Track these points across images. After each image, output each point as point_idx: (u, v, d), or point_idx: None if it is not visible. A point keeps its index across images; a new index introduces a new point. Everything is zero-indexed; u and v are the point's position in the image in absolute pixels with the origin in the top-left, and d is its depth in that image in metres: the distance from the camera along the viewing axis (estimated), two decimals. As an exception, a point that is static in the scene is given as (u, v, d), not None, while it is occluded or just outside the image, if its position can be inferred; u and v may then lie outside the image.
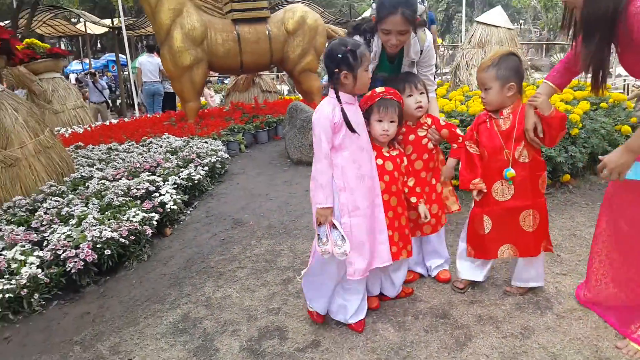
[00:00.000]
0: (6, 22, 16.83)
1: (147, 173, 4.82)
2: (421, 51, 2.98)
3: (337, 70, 2.45)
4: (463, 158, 2.86)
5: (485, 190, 2.77)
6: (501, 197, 2.75)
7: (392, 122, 2.68)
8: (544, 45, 26.36)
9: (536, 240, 2.74)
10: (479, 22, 7.25)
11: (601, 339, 2.44)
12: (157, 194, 4.41)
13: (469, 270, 2.98)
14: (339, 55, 2.43)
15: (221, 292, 3.24)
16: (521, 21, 46.05)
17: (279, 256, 3.66)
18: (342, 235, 2.50)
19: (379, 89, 2.71)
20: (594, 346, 2.40)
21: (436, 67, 7.74)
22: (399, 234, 2.77)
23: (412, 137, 2.93)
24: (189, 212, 4.72)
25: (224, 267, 3.59)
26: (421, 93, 2.88)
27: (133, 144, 6.10)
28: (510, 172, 2.65)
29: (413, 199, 2.82)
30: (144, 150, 5.69)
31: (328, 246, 2.47)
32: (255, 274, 3.43)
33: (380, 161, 2.74)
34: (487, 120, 2.74)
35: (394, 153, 2.79)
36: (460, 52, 7.27)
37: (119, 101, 16.53)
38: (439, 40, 26.52)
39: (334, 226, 2.53)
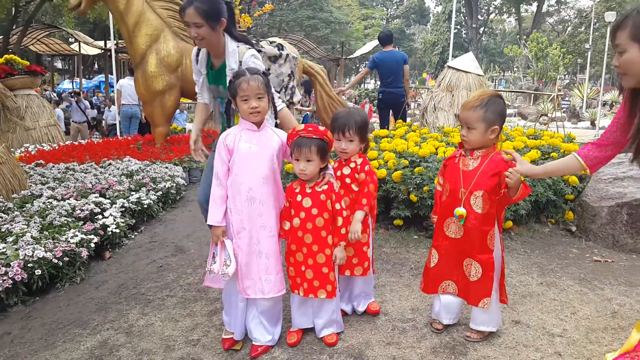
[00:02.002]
0: (-1, 37, 17.03)
1: (96, 195, 4.79)
2: (240, 62, 3.08)
3: (229, 99, 2.77)
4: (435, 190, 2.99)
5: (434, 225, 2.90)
6: (451, 233, 2.77)
7: (309, 160, 2.68)
8: (532, 94, 26.81)
9: (477, 291, 2.73)
10: (449, 67, 7.37)
11: (507, 389, 2.41)
12: (100, 216, 4.37)
13: (437, 310, 2.95)
14: (228, 85, 2.72)
15: (145, 320, 3.19)
16: (514, 68, 47.00)
17: (210, 287, 3.61)
18: (230, 256, 2.64)
19: (298, 127, 2.73)
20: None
21: (408, 106, 7.83)
22: (314, 272, 2.74)
23: (339, 173, 2.95)
24: (133, 236, 4.68)
25: (154, 294, 3.54)
26: (350, 140, 2.85)
27: (92, 165, 6.08)
28: (460, 210, 2.66)
29: (329, 240, 2.76)
30: (100, 172, 5.67)
31: (215, 266, 2.66)
32: (183, 304, 3.39)
33: (299, 197, 2.75)
34: (457, 156, 2.78)
35: (320, 188, 2.76)
36: (430, 95, 7.36)
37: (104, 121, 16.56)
38: (432, 82, 26.96)
39: (224, 246, 2.67)
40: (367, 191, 2.86)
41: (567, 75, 44.05)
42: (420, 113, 7.62)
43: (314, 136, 2.69)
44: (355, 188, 2.93)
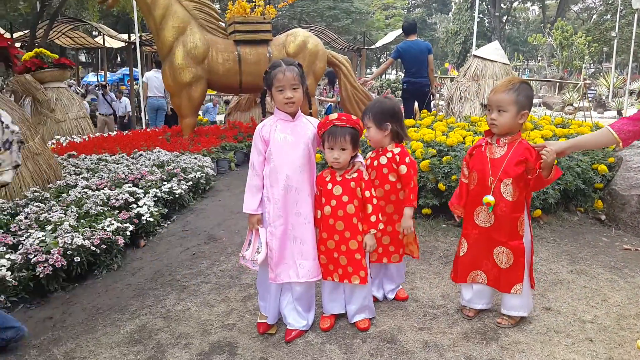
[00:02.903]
0: (25, 31, 17.32)
1: (129, 184, 4.91)
2: None
3: (265, 89, 2.81)
4: (459, 180, 3.00)
5: (461, 216, 2.94)
6: (481, 222, 2.81)
7: (343, 149, 2.74)
8: (557, 83, 26.40)
9: (508, 278, 2.77)
10: (475, 56, 7.33)
11: (540, 373, 2.45)
12: (135, 205, 4.49)
13: (470, 297, 2.99)
14: (264, 76, 2.79)
15: (181, 305, 3.29)
16: (539, 58, 46.26)
17: (244, 273, 3.71)
18: (262, 244, 2.74)
19: (332, 116, 2.79)
20: (530, 379, 2.40)
21: (433, 96, 7.81)
22: (347, 258, 2.80)
23: (375, 162, 3.00)
24: (166, 225, 4.79)
25: (189, 280, 3.64)
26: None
27: (124, 156, 6.22)
28: (488, 198, 2.70)
29: (360, 227, 2.82)
30: (132, 162, 5.80)
31: (248, 252, 2.77)
32: (218, 290, 3.48)
33: (330, 185, 2.81)
34: (484, 144, 2.81)
35: (350, 176, 2.81)
36: (455, 84, 7.34)
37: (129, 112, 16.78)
38: (454, 72, 26.73)
39: (259, 233, 2.78)
40: (413, 186, 2.91)
41: (592, 64, 43.24)
42: (445, 102, 7.61)
43: (347, 125, 2.74)
44: (392, 179, 2.97)
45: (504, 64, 7.17)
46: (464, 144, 4.66)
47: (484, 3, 49.57)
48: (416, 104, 8.24)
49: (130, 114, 13.87)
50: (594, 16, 47.67)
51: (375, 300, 3.20)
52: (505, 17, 53.68)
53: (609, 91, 25.54)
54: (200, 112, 14.49)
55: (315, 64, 8.03)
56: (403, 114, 3.15)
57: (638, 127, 2.38)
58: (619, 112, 19.35)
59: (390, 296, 3.22)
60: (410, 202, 2.93)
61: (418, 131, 5.02)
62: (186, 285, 3.58)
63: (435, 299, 3.21)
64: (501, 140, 2.73)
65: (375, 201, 2.83)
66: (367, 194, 2.82)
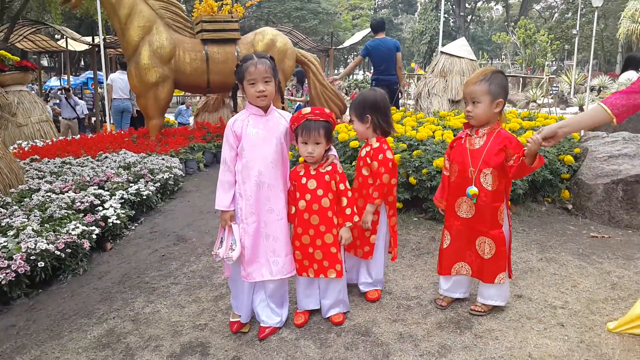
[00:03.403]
0: (-16, 34, 16.82)
1: (95, 187, 4.79)
2: None
3: (236, 83, 2.77)
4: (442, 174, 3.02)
5: (443, 210, 2.95)
6: (463, 213, 2.81)
7: (317, 143, 2.72)
8: (521, 80, 26.92)
9: (492, 268, 2.78)
10: (442, 52, 7.41)
11: (514, 358, 2.46)
12: (100, 208, 4.38)
13: (449, 286, 2.99)
14: (235, 69, 2.73)
15: (151, 307, 3.21)
16: (502, 56, 47.09)
17: (216, 272, 3.65)
18: (236, 240, 2.69)
19: (305, 110, 2.76)
20: (505, 366, 2.41)
21: (401, 94, 7.86)
22: (323, 253, 2.78)
23: (380, 156, 2.97)
24: (133, 227, 4.69)
25: (158, 282, 3.56)
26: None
27: (88, 159, 6.07)
28: (473, 189, 2.71)
29: (335, 220, 2.80)
30: (97, 165, 5.66)
31: (221, 250, 2.71)
32: (188, 290, 3.41)
33: (304, 180, 2.79)
34: (464, 137, 2.81)
35: (324, 170, 2.79)
36: (423, 81, 7.40)
37: (93, 118, 16.45)
38: (420, 71, 26.98)
39: (232, 230, 2.72)
40: (378, 183, 2.88)
41: (554, 62, 44.23)
42: (414, 99, 7.66)
43: (321, 119, 2.72)
44: (365, 172, 2.97)
45: (471, 60, 7.26)
46: (434, 138, 4.68)
47: (448, 3, 50.23)
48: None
49: (84, 115, 13.55)
50: (556, 15, 48.81)
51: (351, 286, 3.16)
52: (469, 17, 54.47)
53: (570, 88, 26.17)
54: (172, 115, 14.30)
55: (284, 62, 7.98)
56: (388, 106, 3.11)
57: (631, 100, 2.34)
58: (581, 108, 19.83)
59: (362, 289, 3.19)
60: (372, 199, 2.91)
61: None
62: (155, 287, 3.50)
63: (409, 291, 3.21)
64: (480, 131, 2.74)
65: (350, 194, 2.82)
66: (341, 186, 2.80)
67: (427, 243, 3.95)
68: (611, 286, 3.19)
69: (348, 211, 2.80)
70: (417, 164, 4.27)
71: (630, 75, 6.79)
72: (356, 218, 2.83)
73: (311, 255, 2.80)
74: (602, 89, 25.68)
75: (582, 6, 34.56)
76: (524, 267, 3.50)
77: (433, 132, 4.78)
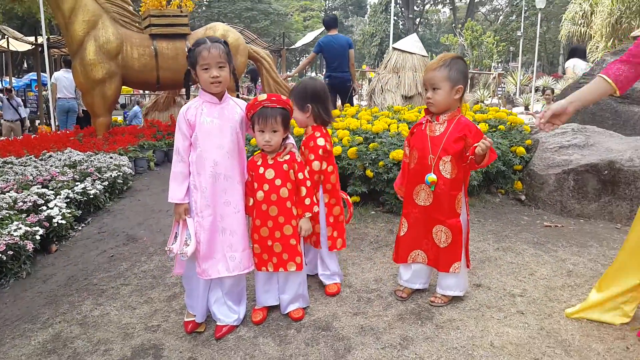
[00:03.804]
0: None
1: (38, 186, 4.54)
2: None
3: (188, 69, 2.64)
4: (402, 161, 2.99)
5: (402, 197, 2.92)
6: (421, 201, 2.77)
7: (274, 131, 2.63)
8: (469, 81, 27.52)
9: (447, 257, 2.75)
10: (395, 49, 7.45)
11: (476, 347, 2.44)
12: (44, 208, 4.15)
13: (409, 277, 2.94)
14: (187, 56, 2.61)
15: (99, 310, 3.05)
16: (450, 57, 47.99)
17: (168, 272, 3.50)
18: (191, 235, 2.57)
19: (261, 97, 2.66)
20: (469, 355, 2.39)
21: (354, 91, 7.86)
22: (282, 245, 2.69)
23: (311, 143, 2.90)
24: (80, 228, 4.47)
25: (107, 284, 3.39)
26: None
27: (31, 158, 5.76)
28: (432, 177, 2.66)
29: (294, 211, 2.73)
30: (41, 164, 5.38)
31: (175, 245, 2.58)
32: (140, 291, 3.26)
33: (261, 170, 2.69)
34: (424, 122, 2.76)
35: (282, 159, 2.70)
36: (376, 77, 7.41)
37: (37, 121, 15.81)
38: (371, 74, 27.18)
39: (186, 225, 2.60)
40: (309, 170, 2.82)
41: (500, 64, 45.53)
42: (367, 95, 7.67)
43: (278, 106, 2.63)
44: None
45: (423, 56, 7.32)
46: (389, 131, 4.66)
47: (397, 5, 51.00)
48: (339, 98, 8.24)
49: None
50: (501, 17, 50.26)
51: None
52: (418, 19, 55.51)
53: (516, 88, 26.96)
54: (126, 119, 13.82)
55: (237, 58, 7.83)
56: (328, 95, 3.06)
57: (632, 72, 2.29)
58: (527, 107, 20.47)
59: (323, 281, 3.11)
60: (306, 207, 2.75)
61: (344, 120, 4.98)
62: (104, 289, 3.33)
63: (369, 284, 3.16)
64: (440, 118, 2.71)
65: (309, 183, 2.74)
66: (300, 176, 2.72)
67: (386, 236, 3.91)
68: (567, 273, 3.24)
69: (307, 201, 2.72)
70: (373, 157, 4.23)
71: (576, 62, 7.13)
72: (316, 208, 2.77)
73: (270, 248, 2.71)
74: (545, 89, 26.63)
75: (526, 8, 35.72)
76: (481, 256, 3.52)
77: (388, 126, 4.76)
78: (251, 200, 2.74)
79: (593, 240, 3.85)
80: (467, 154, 2.63)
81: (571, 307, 2.75)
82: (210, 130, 2.58)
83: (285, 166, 2.69)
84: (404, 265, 2.95)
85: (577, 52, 7.48)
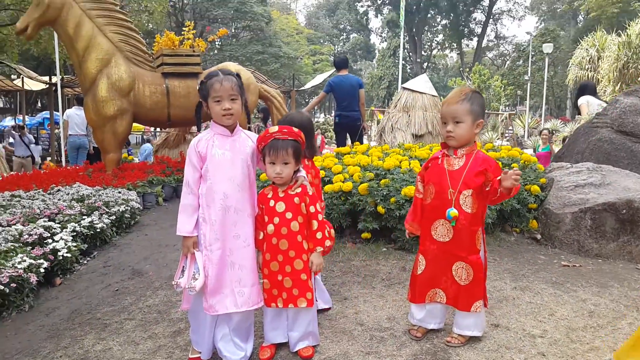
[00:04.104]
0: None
1: (45, 219, 4.49)
2: None
3: (200, 102, 2.62)
4: (414, 197, 2.89)
5: (413, 234, 2.85)
6: (440, 237, 2.67)
7: (285, 163, 2.57)
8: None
9: (468, 296, 2.64)
10: (404, 88, 7.48)
11: (495, 391, 2.31)
12: (50, 241, 4.08)
13: (422, 316, 2.82)
14: (198, 88, 2.60)
15: (102, 344, 2.94)
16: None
17: (173, 307, 3.39)
18: (200, 269, 2.48)
19: (272, 129, 2.62)
20: (487, 398, 2.26)
21: (364, 130, 7.84)
22: (292, 280, 2.60)
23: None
24: (85, 261, 4.39)
25: (110, 318, 3.28)
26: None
27: (40, 192, 5.74)
28: (454, 211, 2.57)
29: (305, 245, 2.63)
30: (49, 198, 5.34)
31: (182, 279, 2.50)
32: (144, 326, 3.15)
33: (272, 202, 2.63)
34: (440, 157, 2.70)
35: (294, 192, 2.64)
36: (387, 116, 7.41)
37: (49, 158, 15.95)
38: (380, 115, 27.42)
39: (194, 258, 2.52)
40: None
41: (507, 107, 45.92)
42: (377, 133, 7.65)
43: (289, 138, 2.59)
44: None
45: (433, 96, 7.33)
46: (400, 168, 4.61)
47: (405, 50, 51.88)
48: (348, 138, 8.24)
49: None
50: (508, 62, 50.93)
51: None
52: (425, 64, 56.35)
53: (524, 131, 27.04)
54: (140, 156, 13.82)
55: (247, 97, 7.85)
56: (314, 130, 3.02)
57: None
58: (534, 150, 20.46)
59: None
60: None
61: (354, 157, 4.94)
62: (107, 323, 3.22)
63: (381, 322, 3.03)
64: (459, 152, 2.64)
65: (320, 217, 2.66)
66: (312, 209, 2.64)
67: (398, 273, 3.80)
68: (589, 314, 3.10)
69: (319, 235, 2.64)
70: (385, 193, 4.16)
71: (589, 99, 7.07)
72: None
73: (280, 283, 2.61)
74: (554, 132, 26.70)
75: (533, 53, 36.20)
76: (499, 295, 3.39)
77: (400, 162, 4.71)
78: (261, 234, 2.67)
79: (613, 280, 3.72)
80: (488, 189, 2.55)
81: (595, 348, 2.61)
82: (221, 163, 2.53)
83: (296, 199, 2.62)
84: (417, 305, 2.82)
85: (588, 88, 7.41)
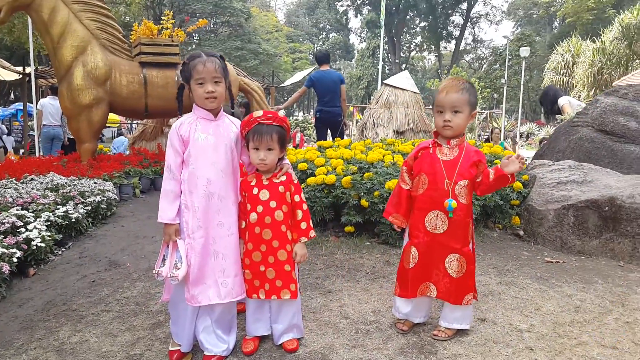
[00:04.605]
0: None
1: (18, 208, 4.33)
2: None
3: (182, 84, 2.52)
4: (395, 188, 2.80)
5: (401, 227, 2.76)
6: (433, 229, 2.60)
7: (269, 149, 2.50)
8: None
9: (459, 288, 2.59)
10: (386, 84, 7.44)
11: (484, 384, 2.27)
12: (23, 230, 3.93)
13: (408, 310, 2.76)
14: (180, 70, 2.50)
15: (78, 336, 2.82)
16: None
17: (152, 299, 3.29)
18: (182, 258, 2.39)
19: (256, 113, 2.53)
20: (476, 392, 2.22)
21: (345, 126, 7.80)
22: (275, 271, 2.52)
23: None
24: (60, 252, 4.24)
25: (87, 310, 3.16)
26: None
27: (12, 181, 5.54)
28: (454, 202, 2.52)
29: (289, 235, 2.56)
30: (22, 187, 5.16)
31: (164, 268, 2.40)
32: (122, 318, 3.04)
33: (255, 190, 2.54)
34: (431, 146, 2.64)
35: (278, 180, 2.56)
36: (368, 112, 7.38)
37: (22, 150, 15.55)
38: (358, 116, 27.47)
39: (176, 246, 2.43)
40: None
41: (484, 109, 46.44)
42: (359, 129, 7.61)
43: (274, 123, 2.51)
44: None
45: (415, 92, 7.31)
46: (383, 162, 4.56)
47: (384, 51, 52.11)
48: (329, 132, 8.19)
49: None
50: (485, 65, 51.53)
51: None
52: (404, 65, 56.61)
53: (500, 134, 27.36)
54: (113, 150, 13.53)
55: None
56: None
57: None
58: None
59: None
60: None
61: (337, 150, 4.88)
62: (83, 315, 3.10)
63: (366, 315, 2.98)
64: (452, 142, 2.60)
65: (305, 206, 2.59)
66: (297, 198, 2.57)
67: (382, 267, 3.75)
68: (575, 309, 3.09)
69: (303, 225, 2.57)
70: (368, 186, 4.11)
71: (570, 99, 7.18)
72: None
73: (262, 274, 2.53)
74: (529, 135, 27.09)
75: (509, 57, 36.64)
76: (484, 290, 3.36)
77: (383, 156, 4.67)
78: (243, 223, 2.58)
79: (597, 276, 3.73)
80: (479, 180, 2.53)
81: (582, 343, 2.60)
82: (204, 147, 2.44)
83: (281, 187, 2.55)
84: (403, 299, 2.76)
85: (558, 91, 7.67)
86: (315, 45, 63.82)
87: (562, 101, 7.12)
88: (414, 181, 2.70)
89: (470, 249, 2.60)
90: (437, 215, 2.59)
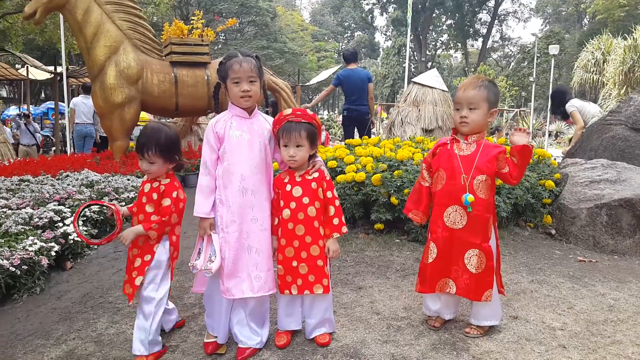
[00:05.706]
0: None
1: (55, 203, 4.45)
2: None
3: (218, 83, 2.60)
4: (415, 185, 2.83)
5: (420, 222, 2.80)
6: (453, 224, 2.62)
7: (298, 146, 2.53)
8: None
9: (478, 284, 2.59)
10: (415, 83, 7.42)
11: (517, 381, 2.27)
12: (61, 224, 4.05)
13: (438, 308, 2.79)
14: (217, 69, 2.58)
15: (115, 328, 2.91)
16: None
17: (186, 292, 3.36)
18: (216, 251, 2.46)
19: (286, 111, 2.59)
20: (509, 388, 2.22)
21: (372, 124, 7.79)
22: (308, 266, 2.56)
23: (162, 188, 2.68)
24: (96, 247, 4.35)
25: (123, 302, 3.25)
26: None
27: (48, 177, 5.70)
28: (470, 196, 2.53)
29: (321, 231, 2.59)
30: (58, 183, 5.30)
31: (199, 261, 2.48)
32: (157, 310, 3.10)
33: (288, 187, 2.59)
34: (449, 142, 2.66)
35: (311, 176, 2.60)
36: (396, 110, 7.37)
37: (54, 148, 15.92)
38: (383, 114, 27.39)
39: (211, 240, 2.50)
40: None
41: (512, 108, 45.85)
42: (387, 128, 7.61)
43: (303, 120, 2.55)
44: (149, 209, 2.74)
45: (443, 91, 7.28)
46: (413, 160, 4.57)
47: (410, 49, 51.87)
48: (356, 131, 8.19)
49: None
50: (512, 63, 50.84)
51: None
52: (430, 63, 56.18)
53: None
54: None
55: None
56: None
57: None
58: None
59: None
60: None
61: (366, 148, 4.89)
62: (120, 307, 3.19)
63: (398, 311, 3.00)
64: (470, 138, 2.61)
65: (337, 203, 2.62)
66: (329, 194, 2.61)
67: (412, 264, 3.76)
68: (608, 308, 3.06)
69: (336, 221, 2.60)
70: (398, 184, 4.12)
71: (584, 104, 6.44)
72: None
73: (295, 269, 2.57)
74: (558, 134, 26.66)
75: (538, 55, 36.12)
76: (516, 288, 3.35)
77: (412, 154, 4.67)
78: (276, 219, 2.63)
79: (631, 276, 3.68)
80: (505, 171, 2.55)
81: (616, 342, 2.58)
82: (239, 144, 2.50)
83: (313, 184, 2.59)
84: (430, 296, 2.77)
85: (568, 93, 6.76)
86: (341, 44, 63.77)
87: (570, 108, 6.46)
88: (433, 177, 2.72)
89: (490, 245, 2.60)
90: (456, 211, 2.60)
